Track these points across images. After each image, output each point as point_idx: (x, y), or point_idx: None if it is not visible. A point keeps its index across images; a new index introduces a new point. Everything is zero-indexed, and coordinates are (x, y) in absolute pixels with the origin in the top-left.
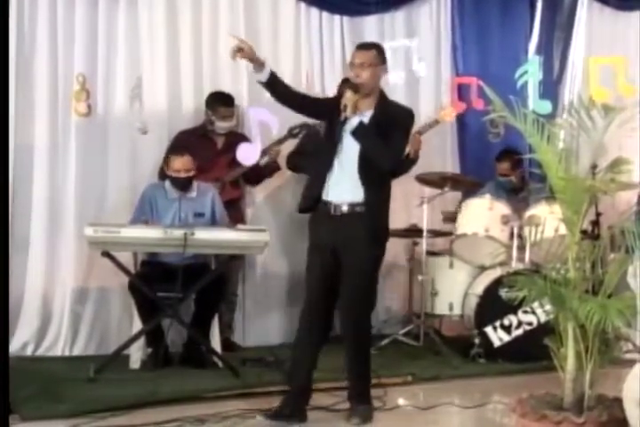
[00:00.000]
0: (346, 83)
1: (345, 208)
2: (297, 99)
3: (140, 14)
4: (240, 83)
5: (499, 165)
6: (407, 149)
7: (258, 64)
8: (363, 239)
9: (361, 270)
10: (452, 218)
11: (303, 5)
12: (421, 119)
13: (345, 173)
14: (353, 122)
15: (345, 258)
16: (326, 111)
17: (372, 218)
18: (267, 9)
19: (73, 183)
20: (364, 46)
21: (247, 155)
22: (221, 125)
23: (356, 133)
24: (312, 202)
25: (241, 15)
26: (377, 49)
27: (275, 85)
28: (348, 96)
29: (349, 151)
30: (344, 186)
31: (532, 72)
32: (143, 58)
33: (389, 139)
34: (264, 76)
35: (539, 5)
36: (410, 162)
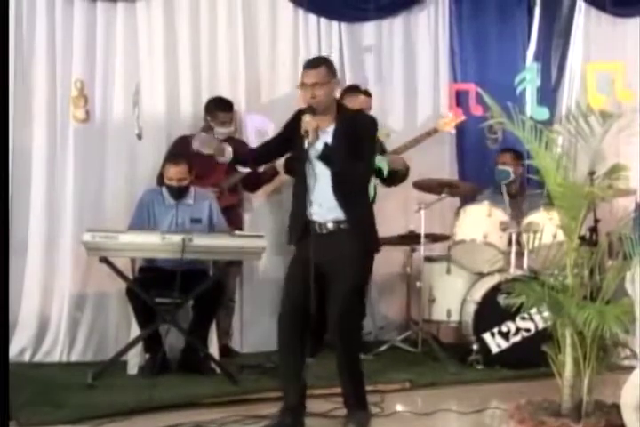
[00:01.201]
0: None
1: (330, 225)
2: (264, 155)
3: (138, 20)
4: (238, 88)
5: (501, 154)
6: (389, 167)
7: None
8: (350, 255)
9: (349, 285)
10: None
11: (301, 12)
12: (418, 125)
13: (323, 194)
14: (318, 146)
15: (332, 274)
16: (290, 141)
17: (359, 233)
18: (265, 15)
19: (71, 189)
20: (311, 64)
21: None
22: (220, 131)
23: (324, 158)
24: (301, 228)
25: (239, 21)
26: (325, 64)
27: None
28: (308, 120)
29: (322, 174)
30: (325, 205)
31: (529, 79)
32: (141, 63)
33: (357, 151)
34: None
35: (536, 12)
36: (402, 174)
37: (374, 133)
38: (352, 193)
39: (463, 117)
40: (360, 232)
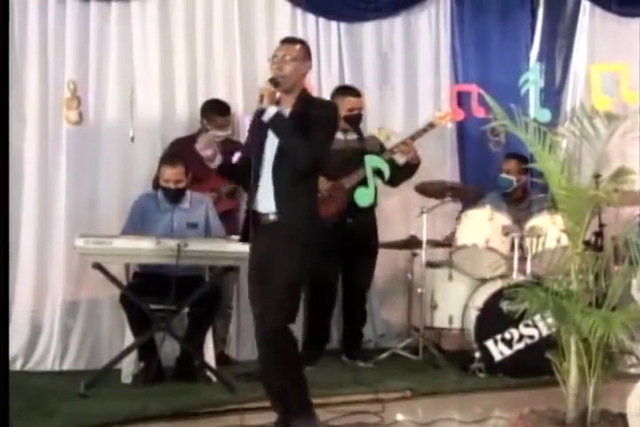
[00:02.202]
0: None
1: (272, 217)
2: (241, 164)
3: (132, 19)
4: (235, 90)
5: (506, 161)
6: (403, 159)
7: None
8: (279, 252)
9: (276, 284)
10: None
11: (299, 12)
12: (419, 127)
13: (267, 179)
14: (270, 112)
15: (267, 274)
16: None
17: (287, 229)
18: (262, 15)
19: (63, 193)
20: (288, 40)
21: None
22: (217, 134)
23: (272, 123)
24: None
25: (236, 21)
26: (302, 44)
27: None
28: (266, 87)
29: (270, 154)
30: (268, 193)
31: (532, 80)
32: (136, 64)
33: (309, 136)
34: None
35: (540, 12)
36: (412, 167)
37: (332, 120)
38: (291, 179)
39: (462, 114)
40: (291, 226)
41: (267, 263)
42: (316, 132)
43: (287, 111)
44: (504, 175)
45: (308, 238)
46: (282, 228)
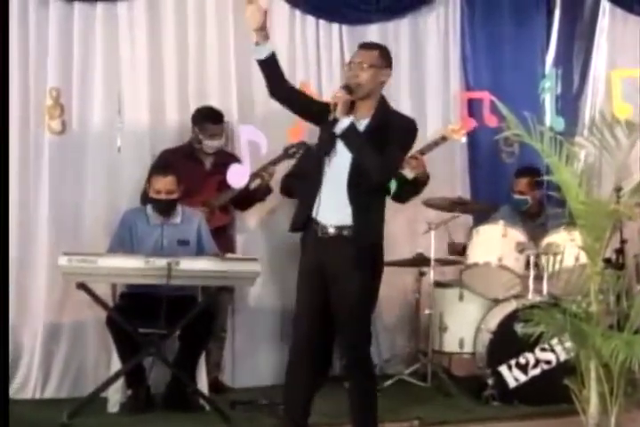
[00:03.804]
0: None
1: (332, 230)
2: (292, 91)
3: (119, 21)
4: (229, 97)
5: (517, 180)
6: (411, 174)
7: (263, 34)
8: (350, 268)
9: (351, 303)
10: (458, 250)
11: (298, 13)
12: (427, 138)
13: (334, 190)
14: (343, 124)
15: (333, 288)
16: (321, 112)
17: (362, 244)
18: None
19: (46, 207)
20: (366, 45)
21: (238, 177)
22: (210, 144)
23: (345, 136)
24: (302, 220)
25: (230, 23)
26: (381, 50)
27: (272, 66)
28: (340, 95)
29: (340, 164)
30: (332, 204)
31: (549, 86)
32: (123, 69)
33: (383, 150)
34: (265, 52)
35: (557, 13)
36: (420, 184)
37: (409, 141)
38: (368, 194)
39: (474, 124)
40: (363, 242)
41: (333, 279)
42: (393, 149)
43: (364, 122)
44: (517, 196)
45: (381, 258)
46: (349, 243)
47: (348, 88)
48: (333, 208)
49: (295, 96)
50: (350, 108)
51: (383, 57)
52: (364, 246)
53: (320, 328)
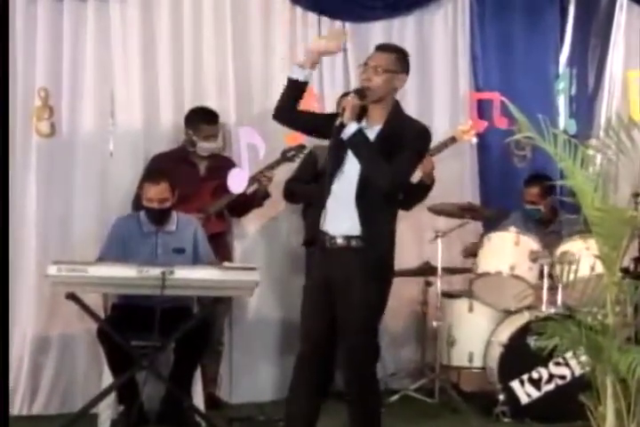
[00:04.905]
0: (345, 97)
1: (340, 241)
2: (297, 115)
3: (111, 19)
4: (226, 98)
5: (527, 190)
6: (418, 177)
7: (315, 61)
8: (358, 279)
9: (357, 317)
10: (474, 253)
11: (299, 10)
12: (435, 141)
13: (343, 200)
14: (350, 129)
15: (340, 300)
16: (326, 126)
17: (370, 255)
18: (257, 14)
19: (33, 214)
20: (383, 48)
21: (237, 182)
22: (204, 146)
23: (352, 142)
24: (315, 233)
25: (228, 20)
26: (399, 53)
27: (298, 92)
28: (349, 99)
29: (349, 172)
30: (341, 215)
31: (562, 87)
32: (116, 70)
33: (395, 159)
34: (303, 75)
35: (571, 9)
36: (424, 189)
37: (423, 148)
38: (378, 204)
39: (485, 124)
40: (373, 254)
41: (340, 291)
42: (404, 157)
43: (376, 128)
44: (529, 206)
45: (391, 269)
46: (357, 254)
47: (359, 93)
48: (342, 218)
49: (299, 118)
50: (362, 113)
51: (400, 61)
52: (372, 258)
53: (325, 344)
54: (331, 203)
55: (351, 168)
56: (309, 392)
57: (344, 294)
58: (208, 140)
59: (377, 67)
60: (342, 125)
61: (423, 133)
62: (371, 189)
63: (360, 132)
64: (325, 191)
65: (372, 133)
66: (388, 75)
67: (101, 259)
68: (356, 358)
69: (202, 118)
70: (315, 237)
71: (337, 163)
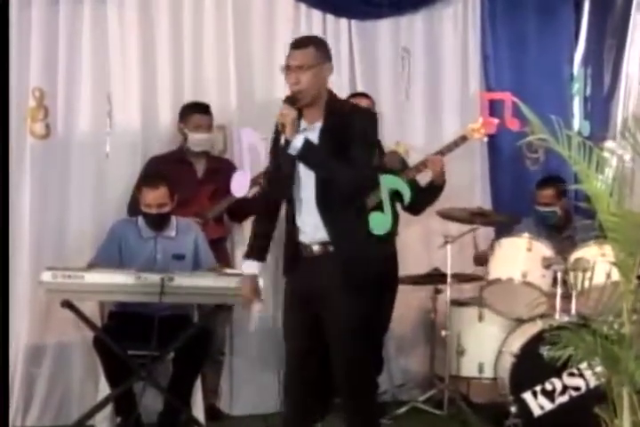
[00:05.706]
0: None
1: (316, 248)
2: (276, 204)
3: (108, 16)
4: (228, 98)
5: (540, 192)
6: (428, 177)
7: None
8: (339, 288)
9: (340, 327)
10: (485, 260)
11: (303, 7)
12: (444, 141)
13: (310, 208)
14: (297, 143)
15: (323, 312)
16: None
17: (345, 259)
18: (260, 11)
19: (27, 218)
20: (298, 44)
21: (240, 185)
22: (195, 138)
23: (303, 156)
24: (290, 253)
25: (229, 18)
26: (315, 45)
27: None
28: (284, 112)
29: (307, 180)
30: (312, 222)
31: (577, 87)
32: (113, 69)
33: (350, 154)
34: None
35: (586, 7)
36: (435, 190)
37: (373, 129)
38: (339, 206)
39: (496, 122)
40: (346, 256)
41: (322, 301)
42: (358, 151)
43: (317, 124)
44: (543, 209)
45: (367, 270)
46: (334, 259)
47: (291, 100)
48: (313, 226)
49: (277, 207)
50: (298, 115)
51: (320, 51)
52: (349, 262)
53: (312, 363)
54: (301, 214)
55: (307, 178)
56: (303, 410)
57: (325, 304)
58: (198, 131)
59: (300, 66)
60: (287, 142)
61: (367, 118)
62: (329, 192)
63: (307, 143)
64: (292, 205)
65: (314, 132)
66: (314, 69)
67: (95, 262)
68: (347, 371)
69: (192, 109)
70: (293, 253)
71: (294, 175)
